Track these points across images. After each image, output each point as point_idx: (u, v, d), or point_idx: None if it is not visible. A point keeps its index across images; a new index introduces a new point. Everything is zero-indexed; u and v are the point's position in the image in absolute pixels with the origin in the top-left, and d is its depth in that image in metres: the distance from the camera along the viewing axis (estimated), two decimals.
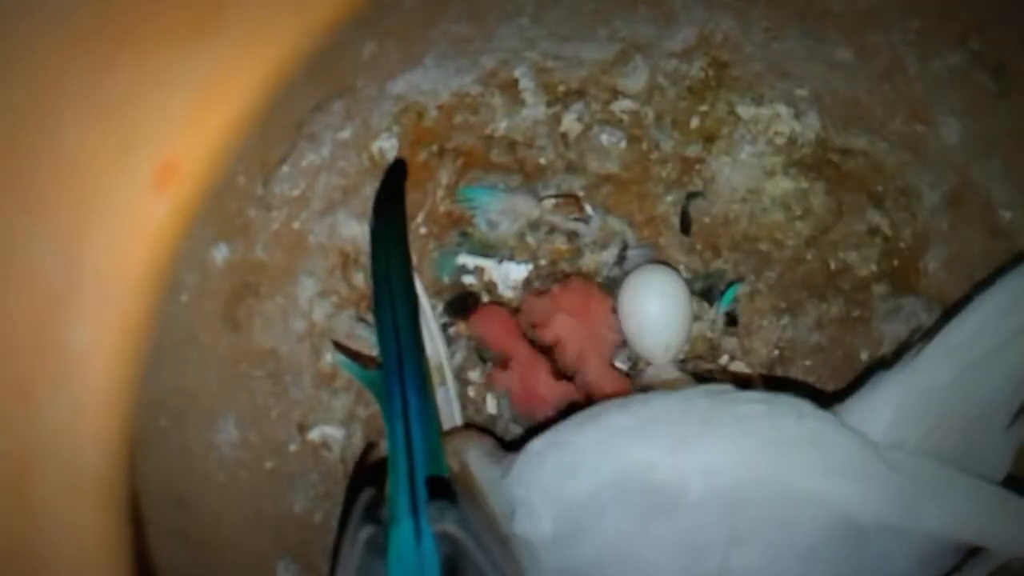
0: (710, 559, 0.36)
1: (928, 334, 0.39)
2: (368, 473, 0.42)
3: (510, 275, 0.46)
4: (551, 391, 0.44)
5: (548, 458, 0.38)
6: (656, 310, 0.44)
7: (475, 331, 0.46)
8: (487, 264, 0.46)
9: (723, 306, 0.46)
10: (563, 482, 0.37)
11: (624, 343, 0.46)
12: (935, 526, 0.36)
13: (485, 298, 0.47)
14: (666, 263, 0.46)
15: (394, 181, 0.44)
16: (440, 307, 0.46)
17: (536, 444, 0.39)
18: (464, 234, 0.46)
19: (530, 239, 0.47)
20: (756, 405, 0.38)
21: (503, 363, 0.45)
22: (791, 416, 0.38)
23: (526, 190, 0.46)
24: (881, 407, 0.38)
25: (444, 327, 0.46)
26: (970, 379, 0.37)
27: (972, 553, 0.38)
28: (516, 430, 0.46)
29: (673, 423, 0.38)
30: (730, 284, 0.46)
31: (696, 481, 0.37)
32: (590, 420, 0.39)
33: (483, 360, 0.46)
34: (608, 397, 0.43)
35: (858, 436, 0.37)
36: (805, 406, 0.38)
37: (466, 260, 0.46)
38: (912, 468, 0.37)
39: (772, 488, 0.36)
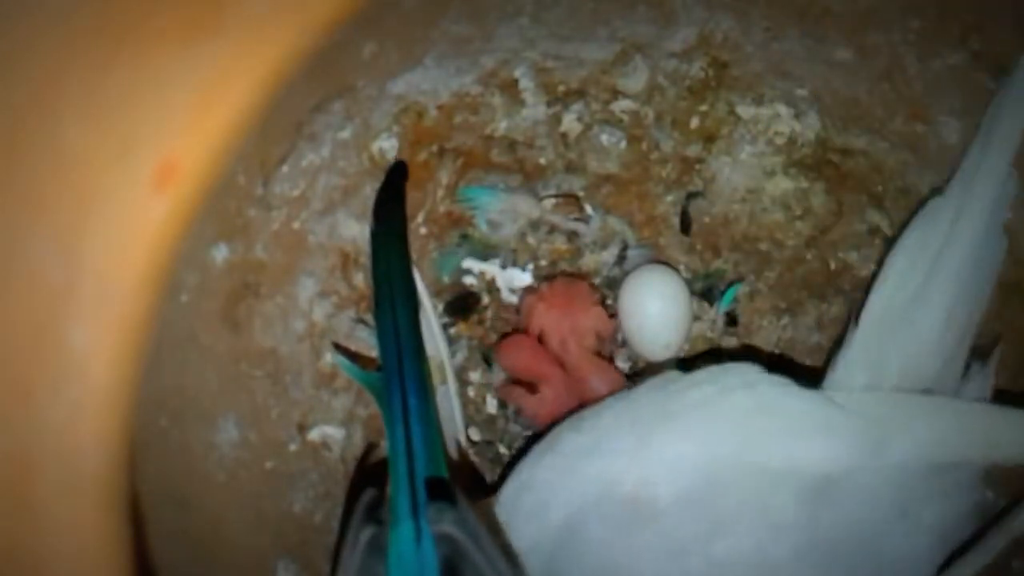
0: (694, 556, 0.36)
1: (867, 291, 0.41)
2: (369, 474, 0.42)
3: (514, 280, 0.47)
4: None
5: (519, 503, 0.38)
6: (656, 310, 0.44)
7: (503, 364, 0.46)
8: (491, 269, 0.46)
9: (723, 306, 0.46)
10: (539, 521, 0.38)
11: (620, 335, 0.46)
12: (906, 455, 0.36)
13: (486, 298, 0.47)
14: (666, 263, 0.46)
15: (395, 183, 0.44)
16: (440, 307, 0.46)
17: (505, 493, 0.39)
18: (464, 235, 0.46)
19: (530, 239, 0.47)
20: (705, 387, 0.38)
21: (531, 387, 0.45)
22: (740, 388, 0.38)
23: (526, 190, 0.46)
24: (858, 373, 0.39)
25: (444, 327, 0.46)
26: (914, 316, 0.39)
27: (990, 525, 0.38)
28: (515, 430, 0.46)
29: (625, 429, 0.38)
30: (730, 284, 0.46)
31: (664, 483, 0.37)
32: (547, 452, 0.39)
33: (487, 362, 0.46)
34: (591, 384, 0.44)
35: (808, 391, 0.38)
36: (751, 373, 0.38)
37: (471, 265, 0.46)
38: (868, 406, 0.37)
39: (738, 470, 0.36)
